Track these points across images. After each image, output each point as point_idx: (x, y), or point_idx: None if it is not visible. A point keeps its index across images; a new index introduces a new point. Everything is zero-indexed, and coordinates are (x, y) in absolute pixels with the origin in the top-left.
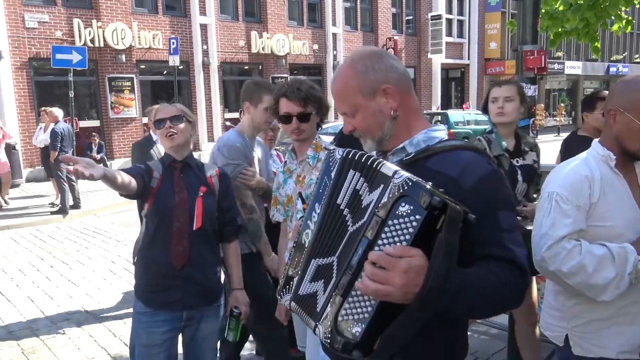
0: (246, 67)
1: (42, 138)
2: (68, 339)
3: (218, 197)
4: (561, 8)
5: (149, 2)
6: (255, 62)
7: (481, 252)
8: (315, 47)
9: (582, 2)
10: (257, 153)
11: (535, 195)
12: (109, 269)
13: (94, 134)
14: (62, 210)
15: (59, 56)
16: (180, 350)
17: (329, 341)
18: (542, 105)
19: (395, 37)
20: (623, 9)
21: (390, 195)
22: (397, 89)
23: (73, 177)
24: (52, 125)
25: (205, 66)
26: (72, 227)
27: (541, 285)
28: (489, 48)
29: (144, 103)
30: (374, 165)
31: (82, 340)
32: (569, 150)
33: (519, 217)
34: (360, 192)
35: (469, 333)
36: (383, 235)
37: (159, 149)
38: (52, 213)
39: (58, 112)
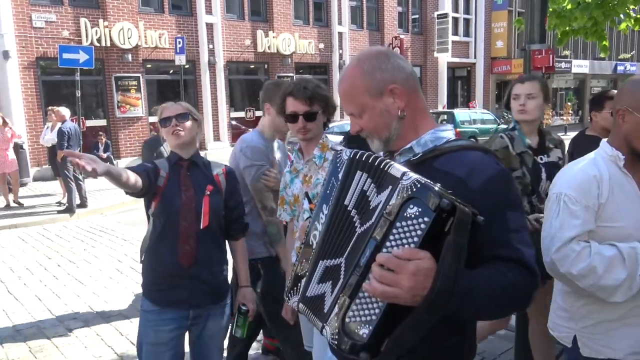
0: (252, 66)
1: (49, 137)
2: (75, 338)
3: (225, 196)
4: (569, 6)
5: (155, 2)
6: (261, 61)
7: (489, 252)
8: (321, 46)
9: (590, 0)
10: (277, 155)
11: None
12: (116, 267)
13: (100, 133)
14: (69, 209)
15: (65, 56)
16: (187, 348)
17: (336, 342)
18: (549, 104)
19: (402, 36)
20: (631, 7)
21: (399, 197)
22: (404, 89)
23: (80, 177)
24: (59, 125)
25: (211, 65)
26: (79, 226)
27: None
28: (496, 47)
29: (150, 102)
30: (382, 167)
31: (89, 338)
32: (576, 149)
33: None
34: (367, 193)
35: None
36: (391, 237)
37: (168, 147)
38: (59, 212)
39: (65, 111)
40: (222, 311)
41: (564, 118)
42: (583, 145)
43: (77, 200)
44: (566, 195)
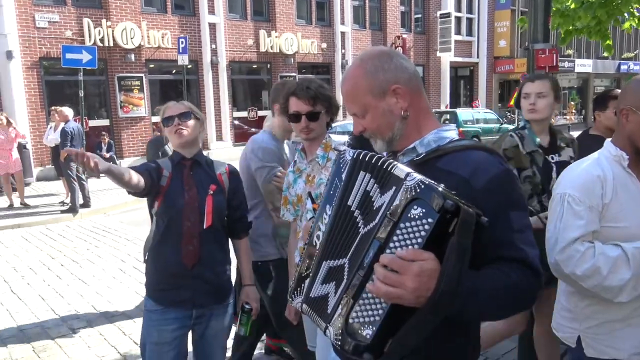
0: (254, 66)
1: (52, 137)
2: (78, 337)
3: (228, 195)
4: (573, 6)
5: (157, 2)
6: (264, 61)
7: (492, 252)
8: (324, 45)
9: None
10: (288, 155)
11: None
12: (119, 267)
13: (103, 133)
14: (72, 209)
15: (69, 56)
16: (190, 348)
17: (339, 343)
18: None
19: (404, 36)
20: (635, 6)
21: (402, 198)
22: (407, 89)
23: (83, 176)
24: (62, 125)
25: (214, 65)
26: (82, 225)
27: None
28: (499, 46)
29: (153, 102)
30: (386, 167)
31: (92, 338)
32: (580, 149)
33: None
34: (371, 194)
35: None
36: (395, 238)
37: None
38: (63, 212)
39: (68, 111)
40: (225, 310)
41: (567, 117)
42: (587, 144)
43: (80, 200)
44: (570, 196)
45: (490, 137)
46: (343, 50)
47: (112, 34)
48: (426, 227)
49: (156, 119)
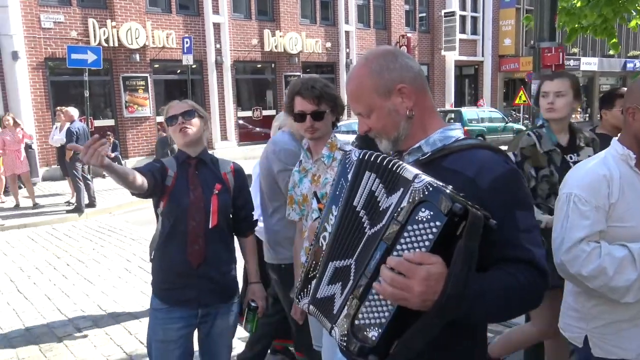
0: (259, 66)
1: (58, 137)
2: (84, 337)
3: (233, 194)
4: (579, 4)
5: (162, 2)
6: (268, 61)
7: (499, 252)
8: (328, 45)
9: None
10: None
11: None
12: (124, 267)
13: (108, 133)
14: (78, 209)
15: (74, 56)
16: (196, 347)
17: (345, 344)
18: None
19: (409, 35)
20: None
21: (410, 200)
22: (412, 88)
23: (88, 176)
24: (67, 125)
25: (219, 65)
26: (88, 225)
27: None
28: (504, 45)
29: (158, 102)
30: (392, 168)
31: (98, 338)
32: None
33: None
34: (376, 194)
35: None
36: (402, 241)
37: None
38: (68, 212)
39: (74, 111)
40: (231, 309)
41: (573, 116)
42: None
43: (86, 200)
44: (576, 196)
45: (495, 136)
46: (347, 50)
47: (117, 34)
48: (434, 230)
49: (161, 118)
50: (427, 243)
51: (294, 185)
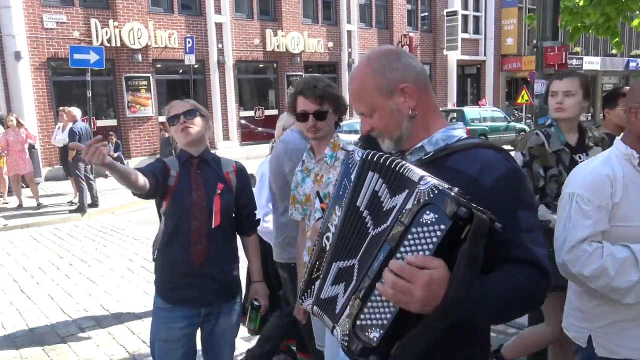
0: (261, 66)
1: (60, 137)
2: (87, 337)
3: (236, 193)
4: (581, 3)
5: (164, 2)
6: (270, 60)
7: (501, 252)
8: (330, 44)
9: None
10: None
11: None
12: (127, 267)
13: (111, 133)
14: (81, 209)
15: (76, 56)
16: (199, 345)
17: (346, 344)
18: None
19: (411, 34)
20: None
21: (415, 202)
22: (415, 88)
23: (91, 176)
24: (70, 125)
25: (221, 65)
26: (90, 225)
27: None
28: (506, 44)
29: (160, 102)
30: (398, 169)
31: (101, 337)
32: None
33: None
34: (379, 194)
35: None
36: (406, 243)
37: None
38: (71, 211)
39: (76, 111)
40: (234, 308)
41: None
42: None
43: (89, 200)
44: (578, 195)
45: (498, 136)
46: (349, 49)
47: (120, 34)
48: (438, 233)
49: (163, 118)
50: (430, 246)
51: (296, 185)
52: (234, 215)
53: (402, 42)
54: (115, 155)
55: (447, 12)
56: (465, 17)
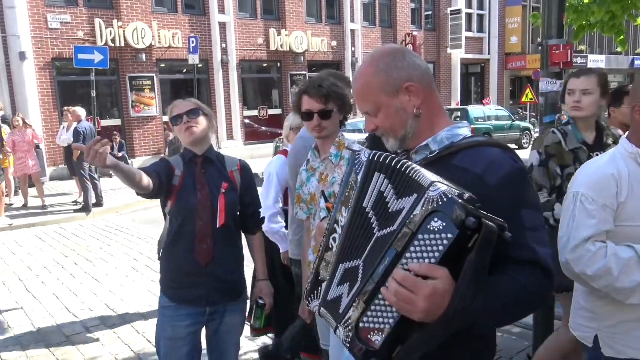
0: (265, 65)
1: (65, 137)
2: (92, 336)
3: (240, 192)
4: (586, 1)
5: (168, 2)
6: (274, 60)
7: (504, 252)
8: (334, 43)
9: None
10: None
11: None
12: (132, 266)
13: (115, 132)
14: (85, 208)
15: (81, 56)
16: (204, 344)
17: (348, 346)
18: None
19: (415, 33)
20: None
21: (424, 208)
22: (420, 87)
23: (96, 176)
24: (75, 125)
25: (224, 64)
26: (95, 224)
27: None
28: (510, 43)
29: (165, 102)
30: (406, 171)
31: (106, 336)
32: None
33: None
34: (385, 195)
35: None
36: (412, 249)
37: None
38: (76, 211)
39: (81, 111)
40: (239, 307)
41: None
42: None
43: (93, 200)
44: (583, 195)
45: (502, 134)
46: (353, 48)
47: (124, 34)
48: (445, 242)
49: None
50: (436, 254)
51: (301, 184)
52: (238, 213)
53: (405, 41)
54: (120, 155)
55: (451, 11)
56: (469, 16)
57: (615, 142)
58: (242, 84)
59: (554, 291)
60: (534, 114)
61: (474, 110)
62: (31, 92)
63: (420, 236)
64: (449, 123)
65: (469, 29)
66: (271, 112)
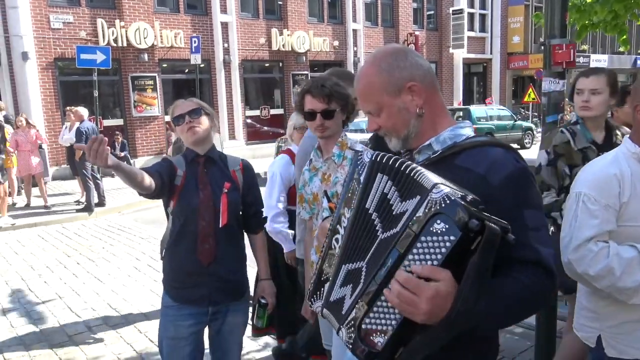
0: (267, 65)
1: (67, 137)
2: (95, 335)
3: (242, 191)
4: (589, 0)
5: (170, 1)
6: (276, 60)
7: (506, 252)
8: (336, 43)
9: None
10: None
11: None
12: (134, 266)
13: (117, 132)
14: (88, 208)
15: (83, 56)
16: (206, 344)
17: (351, 347)
18: (567, 99)
19: (417, 33)
20: None
21: (426, 210)
22: (422, 86)
23: (98, 176)
24: (77, 124)
25: (227, 64)
26: (97, 224)
27: None
28: (512, 42)
29: (167, 101)
30: (410, 173)
31: (109, 336)
32: None
33: None
34: (389, 197)
35: None
36: (414, 251)
37: None
38: (78, 211)
39: (83, 111)
40: (242, 307)
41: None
42: None
43: (96, 199)
44: (585, 195)
45: (504, 134)
46: (355, 48)
47: (126, 34)
48: (447, 244)
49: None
50: (439, 256)
51: (304, 184)
52: (241, 213)
53: (408, 41)
54: (122, 154)
55: (453, 11)
56: (471, 15)
57: None
58: (244, 84)
59: (563, 293)
60: (536, 114)
61: (476, 110)
62: (33, 92)
63: (422, 238)
64: (451, 123)
65: (471, 28)
66: (273, 112)
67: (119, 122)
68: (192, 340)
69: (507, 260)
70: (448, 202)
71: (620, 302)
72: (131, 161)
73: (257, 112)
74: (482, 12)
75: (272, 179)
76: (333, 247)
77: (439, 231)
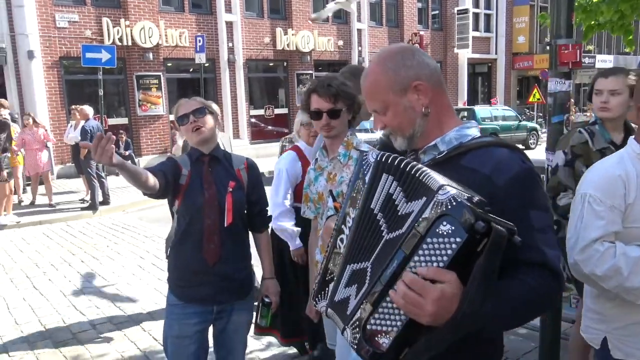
0: (271, 64)
1: (72, 135)
2: (99, 333)
3: (247, 190)
4: (595, 0)
5: (175, 1)
6: (281, 59)
7: (512, 253)
8: (340, 43)
9: None
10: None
11: None
12: (138, 264)
13: (121, 131)
14: (92, 206)
15: (88, 55)
16: (211, 342)
17: (355, 347)
18: (572, 100)
19: (421, 32)
20: None
21: (433, 212)
22: (428, 86)
23: (102, 174)
24: (82, 123)
25: (231, 63)
26: (102, 222)
27: None
28: (517, 42)
29: (171, 100)
30: (416, 174)
31: (113, 334)
32: None
33: None
34: (394, 197)
35: None
36: (420, 252)
37: None
38: (83, 209)
39: (88, 109)
40: (246, 306)
41: (588, 114)
42: None
43: (100, 198)
44: (591, 196)
45: (509, 135)
46: (360, 48)
47: (131, 33)
48: (453, 246)
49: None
50: (445, 258)
51: (309, 184)
52: (245, 212)
53: (412, 41)
54: (126, 153)
55: (458, 10)
56: (476, 15)
57: None
58: (248, 83)
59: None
60: (541, 114)
61: (481, 110)
62: (39, 91)
63: (428, 239)
64: (457, 123)
65: (476, 28)
66: (277, 111)
67: (124, 120)
68: (197, 339)
69: (513, 261)
70: (454, 203)
71: (627, 303)
72: (135, 160)
73: (261, 112)
74: (487, 12)
75: (278, 176)
76: (338, 246)
77: (445, 233)
